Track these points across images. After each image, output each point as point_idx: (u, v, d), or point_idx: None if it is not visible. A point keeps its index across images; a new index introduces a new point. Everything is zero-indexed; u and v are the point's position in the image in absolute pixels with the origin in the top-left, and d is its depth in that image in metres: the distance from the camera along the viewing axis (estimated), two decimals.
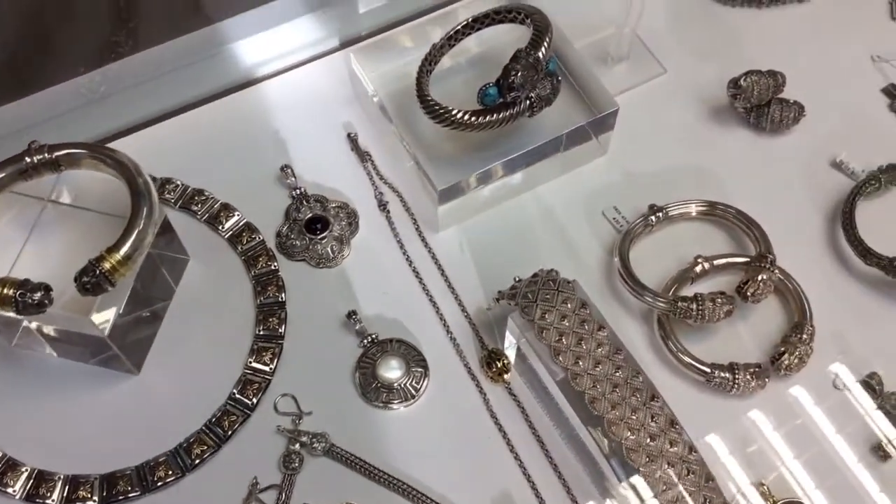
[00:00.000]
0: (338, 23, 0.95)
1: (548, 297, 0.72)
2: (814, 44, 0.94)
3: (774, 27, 0.95)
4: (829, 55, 0.93)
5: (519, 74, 0.75)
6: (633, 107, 0.88)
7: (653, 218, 0.82)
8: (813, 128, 0.88)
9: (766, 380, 0.74)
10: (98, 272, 0.65)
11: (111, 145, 0.86)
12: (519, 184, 0.85)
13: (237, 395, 0.74)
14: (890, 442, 0.72)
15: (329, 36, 0.95)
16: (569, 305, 0.71)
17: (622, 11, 0.87)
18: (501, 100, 0.76)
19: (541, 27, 0.78)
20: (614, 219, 0.84)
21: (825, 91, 0.90)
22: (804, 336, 0.75)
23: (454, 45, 0.84)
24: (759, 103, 0.86)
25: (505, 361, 0.76)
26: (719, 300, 0.75)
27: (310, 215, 0.82)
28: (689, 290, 0.79)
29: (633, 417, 0.67)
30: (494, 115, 0.77)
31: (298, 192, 0.83)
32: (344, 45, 0.94)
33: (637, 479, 0.65)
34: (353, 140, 0.88)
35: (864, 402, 0.75)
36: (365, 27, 0.95)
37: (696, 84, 0.91)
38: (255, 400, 0.74)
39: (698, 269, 0.79)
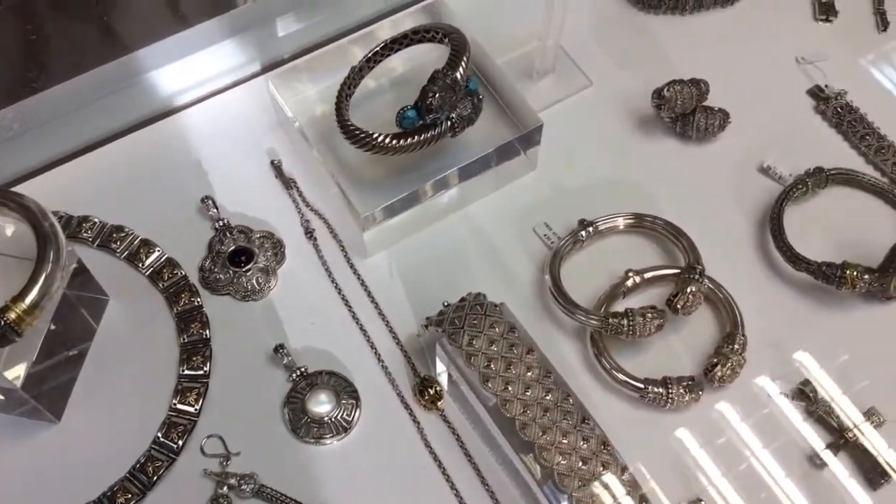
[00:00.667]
0: (257, 47, 0.93)
1: (475, 322, 0.71)
2: (738, 48, 0.94)
3: (698, 33, 0.95)
4: (754, 59, 0.93)
5: (437, 96, 0.74)
6: (561, 120, 0.88)
7: (583, 233, 0.81)
8: (739, 134, 0.87)
9: (700, 392, 0.74)
10: (2, 323, 0.62)
11: (27, 184, 0.85)
12: (448, 204, 0.83)
13: (162, 439, 0.72)
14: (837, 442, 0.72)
15: (249, 61, 0.93)
16: (497, 330, 0.70)
17: (544, 24, 0.87)
18: (421, 122, 0.75)
19: (458, 46, 0.77)
20: (545, 235, 0.83)
21: (751, 96, 0.90)
22: (736, 346, 0.74)
23: (373, 67, 0.82)
24: (684, 112, 0.85)
25: (438, 388, 0.75)
26: (650, 314, 0.74)
27: (233, 247, 0.80)
28: (620, 305, 0.78)
29: (565, 441, 0.66)
30: (415, 138, 0.76)
31: (221, 223, 0.81)
32: (265, 69, 0.92)
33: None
34: (277, 167, 0.86)
35: (798, 411, 0.74)
36: (286, 50, 0.93)
37: (622, 95, 0.90)
38: (180, 443, 0.72)
39: (629, 283, 0.79)
